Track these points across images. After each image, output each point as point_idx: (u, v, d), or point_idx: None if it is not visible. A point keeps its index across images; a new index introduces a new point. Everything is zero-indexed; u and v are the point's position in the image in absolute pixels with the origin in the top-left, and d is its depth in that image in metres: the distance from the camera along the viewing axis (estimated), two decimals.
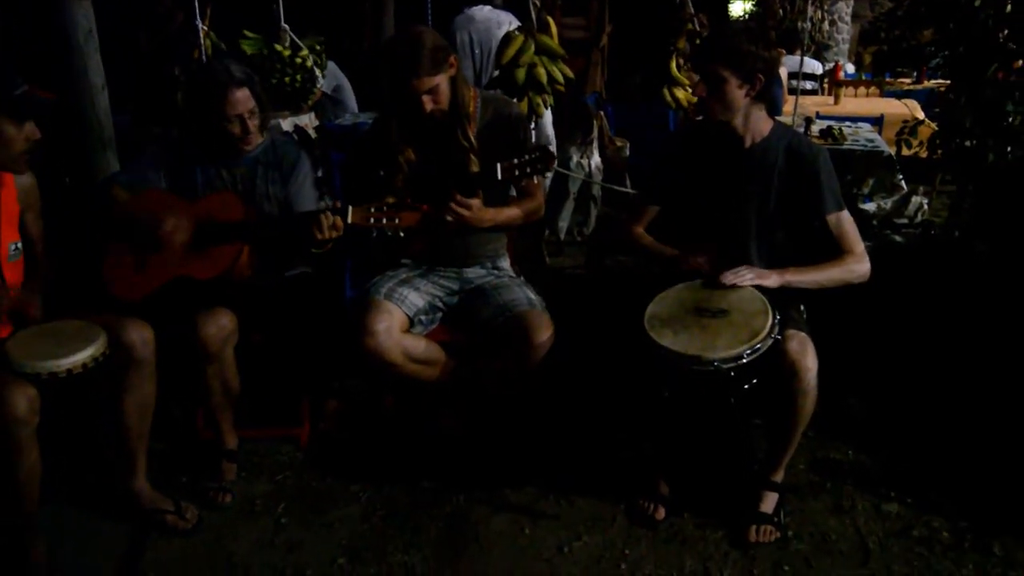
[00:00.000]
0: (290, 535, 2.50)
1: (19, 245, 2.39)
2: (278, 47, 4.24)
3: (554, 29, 3.64)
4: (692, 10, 3.53)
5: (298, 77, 4.31)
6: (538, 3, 3.56)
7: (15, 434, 2.09)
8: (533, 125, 4.12)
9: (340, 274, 3.18)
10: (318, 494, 2.69)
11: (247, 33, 4.26)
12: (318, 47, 4.42)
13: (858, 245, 2.41)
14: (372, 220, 2.44)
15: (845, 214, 2.42)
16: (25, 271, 2.42)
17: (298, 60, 4.24)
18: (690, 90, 3.59)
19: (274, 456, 2.88)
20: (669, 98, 3.69)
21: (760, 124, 2.43)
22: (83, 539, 2.48)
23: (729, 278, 2.31)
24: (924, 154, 3.45)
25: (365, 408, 3.12)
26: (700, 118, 2.59)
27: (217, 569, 2.37)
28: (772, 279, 2.33)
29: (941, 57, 3.37)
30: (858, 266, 2.40)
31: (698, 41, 3.48)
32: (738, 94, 2.34)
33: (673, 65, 3.65)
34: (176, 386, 2.68)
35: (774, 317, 2.22)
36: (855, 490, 2.62)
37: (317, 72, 4.35)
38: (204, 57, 4.01)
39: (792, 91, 6.02)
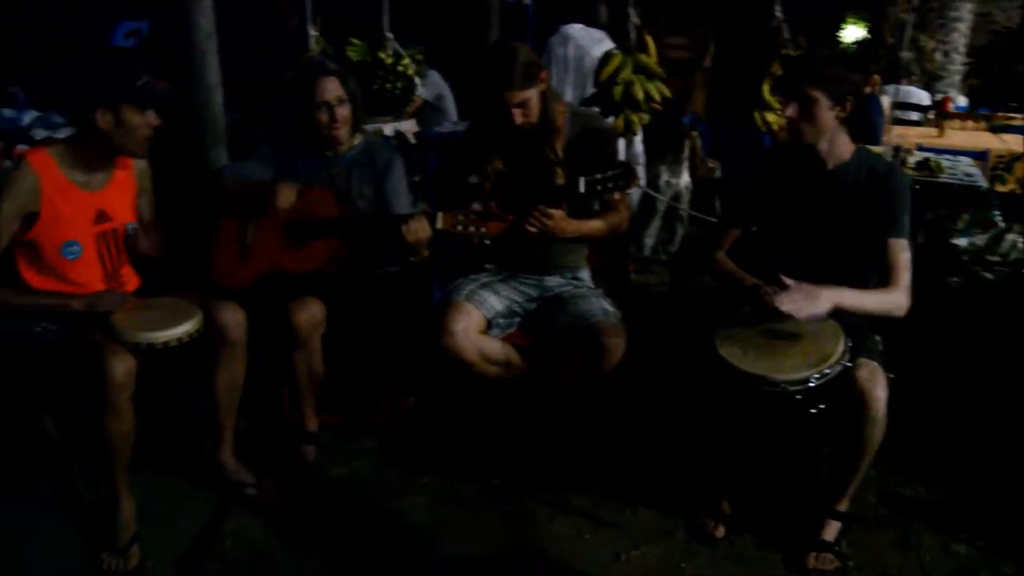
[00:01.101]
0: (361, 517, 2.62)
1: (136, 226, 2.60)
2: (381, 54, 4.42)
3: (652, 48, 3.70)
4: (788, 35, 3.54)
5: (398, 84, 4.49)
6: (638, 22, 3.62)
7: (114, 397, 2.26)
8: (628, 145, 4.19)
9: (429, 277, 3.30)
10: (391, 482, 2.81)
11: (353, 40, 4.46)
12: (419, 56, 4.58)
13: (905, 278, 2.35)
14: (459, 227, 2.55)
15: (905, 243, 2.38)
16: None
17: (400, 68, 4.41)
18: (780, 114, 3.59)
19: (352, 443, 3.02)
20: (760, 121, 3.70)
21: (843, 148, 2.44)
22: (170, 504, 2.66)
23: (784, 305, 2.22)
24: (1020, 191, 3.36)
25: (440, 405, 3.23)
26: (786, 141, 2.60)
27: (291, 542, 2.50)
28: (826, 305, 2.25)
29: None
30: (899, 298, 2.34)
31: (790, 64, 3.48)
32: (828, 116, 2.36)
33: (766, 89, 3.67)
34: (264, 371, 2.84)
35: (846, 344, 2.23)
36: (924, 527, 2.58)
37: (417, 80, 4.51)
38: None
39: (894, 120, 5.92)
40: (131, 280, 2.65)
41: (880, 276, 2.38)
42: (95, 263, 2.51)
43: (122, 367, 2.25)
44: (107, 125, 2.38)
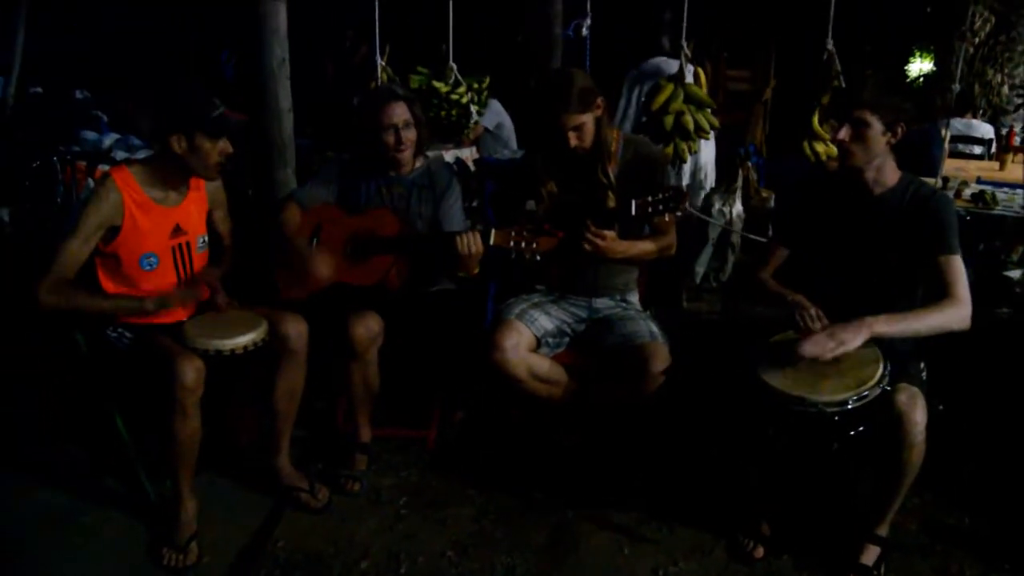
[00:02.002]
0: (408, 525, 2.72)
1: (206, 239, 2.77)
2: (436, 83, 4.58)
3: (703, 79, 3.78)
4: (839, 67, 3.59)
5: (453, 112, 4.62)
6: (689, 54, 3.71)
7: (183, 400, 2.40)
8: (681, 168, 4.26)
9: (483, 297, 3.41)
10: (437, 493, 2.90)
11: (420, 69, 4.63)
12: (476, 85, 4.72)
13: (963, 291, 2.34)
14: (512, 243, 2.65)
15: (957, 259, 2.38)
16: (209, 261, 2.79)
17: (454, 96, 4.55)
18: (830, 144, 3.63)
19: (402, 454, 3.12)
20: (809, 151, 3.74)
21: (889, 174, 2.47)
22: (229, 504, 2.79)
23: (808, 350, 2.25)
24: None
25: (489, 420, 3.33)
26: (835, 166, 2.64)
27: (340, 545, 2.61)
28: (858, 339, 2.25)
29: None
30: (960, 311, 2.33)
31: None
32: (880, 141, 2.39)
33: (815, 119, 3.71)
34: (321, 382, 2.97)
35: (885, 368, 2.26)
36: (966, 556, 2.56)
37: (472, 109, 4.64)
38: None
39: (954, 154, 5.87)
40: (202, 292, 2.81)
41: (935, 295, 2.38)
42: (170, 273, 2.67)
43: (192, 372, 2.40)
44: (181, 150, 2.55)
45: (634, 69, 5.08)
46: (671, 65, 4.89)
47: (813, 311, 2.40)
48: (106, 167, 4.64)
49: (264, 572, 2.49)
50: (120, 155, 5.06)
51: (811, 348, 2.25)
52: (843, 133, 2.39)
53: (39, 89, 6.29)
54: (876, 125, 2.36)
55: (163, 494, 2.70)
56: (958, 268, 2.38)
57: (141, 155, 4.95)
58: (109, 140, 5.55)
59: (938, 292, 2.38)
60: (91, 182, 4.32)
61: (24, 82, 5.79)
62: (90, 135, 5.62)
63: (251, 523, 2.71)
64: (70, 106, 6.14)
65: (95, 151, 5.18)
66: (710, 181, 4.99)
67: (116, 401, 2.71)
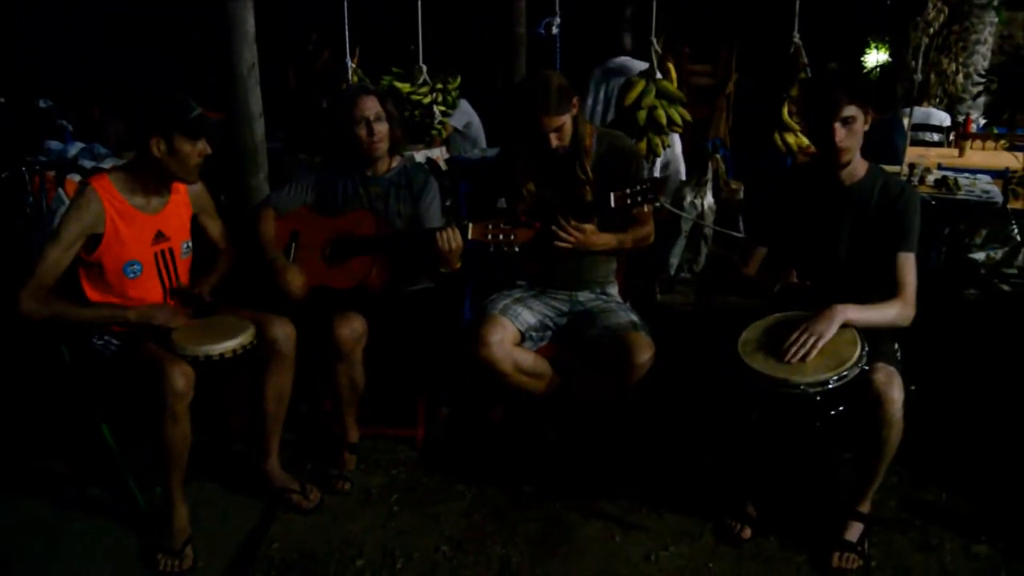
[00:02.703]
0: (400, 522, 2.74)
1: (190, 244, 2.78)
2: (398, 84, 4.59)
3: (674, 74, 3.85)
4: (806, 59, 3.67)
5: (416, 113, 4.63)
6: (659, 50, 3.77)
7: (173, 405, 2.41)
8: (658, 162, 4.33)
9: (461, 294, 3.45)
10: (427, 489, 2.93)
11: (395, 69, 4.64)
12: (442, 85, 4.73)
13: (911, 291, 2.47)
14: (490, 236, 2.70)
15: (912, 258, 2.49)
16: (193, 266, 2.80)
17: (415, 97, 4.56)
18: (800, 135, 3.71)
19: (390, 453, 3.14)
20: (780, 143, 3.81)
21: (858, 165, 2.55)
22: (220, 508, 2.80)
23: (794, 354, 2.33)
24: None
25: (475, 416, 3.36)
26: (804, 159, 2.71)
27: (334, 544, 2.63)
28: (833, 327, 2.37)
29: None
30: (906, 310, 2.47)
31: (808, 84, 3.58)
32: (862, 132, 2.49)
33: (785, 111, 3.79)
34: (305, 385, 2.98)
35: (863, 349, 2.33)
36: (944, 530, 2.65)
37: (435, 109, 4.66)
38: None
39: (913, 142, 6.01)
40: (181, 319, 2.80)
41: (888, 288, 2.49)
42: (154, 280, 2.68)
43: (182, 377, 2.40)
44: (160, 153, 2.55)
45: (599, 67, 5.14)
46: (635, 64, 4.96)
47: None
48: (76, 176, 4.60)
49: (260, 573, 2.50)
50: (87, 164, 5.00)
51: (795, 350, 2.34)
52: (840, 134, 2.44)
53: (1, 99, 6.21)
54: (860, 117, 2.45)
55: (153, 502, 2.70)
56: (910, 266, 2.50)
57: (108, 163, 4.91)
58: (74, 149, 5.48)
59: (891, 287, 2.49)
60: (61, 192, 4.28)
61: None
62: (55, 145, 5.54)
63: (244, 526, 2.72)
64: (34, 116, 6.06)
65: (61, 160, 5.12)
66: (680, 175, 5.06)
67: (103, 409, 2.70)
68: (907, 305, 2.47)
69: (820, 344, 2.34)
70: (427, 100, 4.83)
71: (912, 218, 2.50)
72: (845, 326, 2.40)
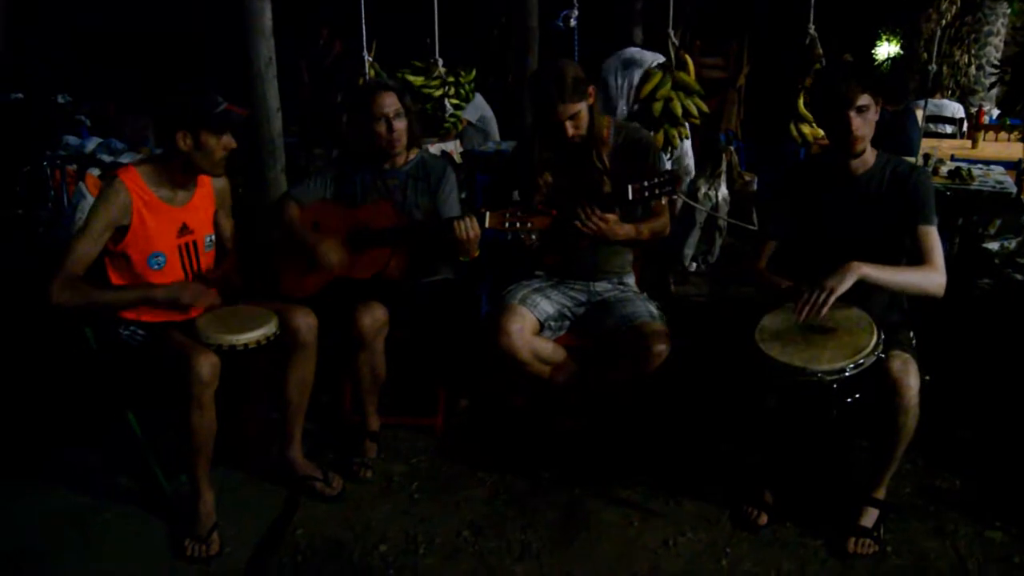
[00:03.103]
0: (422, 509, 2.79)
1: (213, 238, 2.82)
2: (410, 77, 4.62)
3: (691, 67, 3.87)
4: (821, 50, 3.69)
5: (428, 106, 4.66)
6: (676, 42, 3.80)
7: (199, 394, 2.46)
8: (672, 156, 4.35)
9: (479, 287, 3.49)
10: (448, 477, 2.98)
11: (416, 63, 4.68)
12: (456, 79, 4.76)
13: (940, 259, 2.47)
14: (507, 224, 2.73)
15: (934, 229, 2.51)
16: (216, 261, 2.84)
17: (426, 91, 4.59)
18: (815, 125, 3.74)
19: (411, 442, 3.19)
20: (796, 134, 3.84)
21: (868, 154, 2.58)
22: (245, 496, 2.85)
23: (805, 312, 2.34)
24: None
25: (494, 404, 3.41)
26: (817, 152, 2.74)
27: (357, 530, 2.68)
28: (846, 281, 2.33)
29: None
30: (936, 276, 2.45)
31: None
32: (874, 120, 2.52)
33: (800, 102, 3.81)
34: (326, 376, 3.02)
35: (879, 336, 2.36)
36: (959, 516, 2.68)
37: (447, 102, 4.69)
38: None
39: (928, 134, 6.02)
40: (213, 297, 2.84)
41: (914, 262, 2.50)
42: (178, 272, 2.72)
43: (208, 365, 2.45)
44: (187, 147, 2.59)
45: (611, 58, 5.16)
46: (646, 55, 4.99)
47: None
48: (96, 171, 4.67)
49: (286, 559, 2.55)
50: (106, 158, 5.07)
51: (808, 308, 2.34)
52: (857, 123, 2.46)
53: (20, 95, 6.28)
54: (872, 106, 2.48)
55: (178, 490, 2.76)
56: (935, 238, 2.51)
57: (125, 158, 4.98)
58: (91, 144, 5.55)
59: (917, 260, 2.51)
60: (82, 185, 4.34)
61: (5, 88, 5.77)
62: (72, 140, 5.61)
63: (268, 513, 2.76)
64: (52, 111, 6.13)
65: (79, 155, 5.19)
66: (689, 170, 5.09)
67: (129, 399, 2.75)
68: (937, 272, 2.46)
69: (831, 299, 2.32)
70: (438, 93, 4.86)
71: (927, 192, 2.52)
72: (863, 314, 2.43)
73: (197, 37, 7.72)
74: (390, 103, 3.05)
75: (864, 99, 2.45)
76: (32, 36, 7.22)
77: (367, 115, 3.06)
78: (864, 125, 2.48)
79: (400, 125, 3.08)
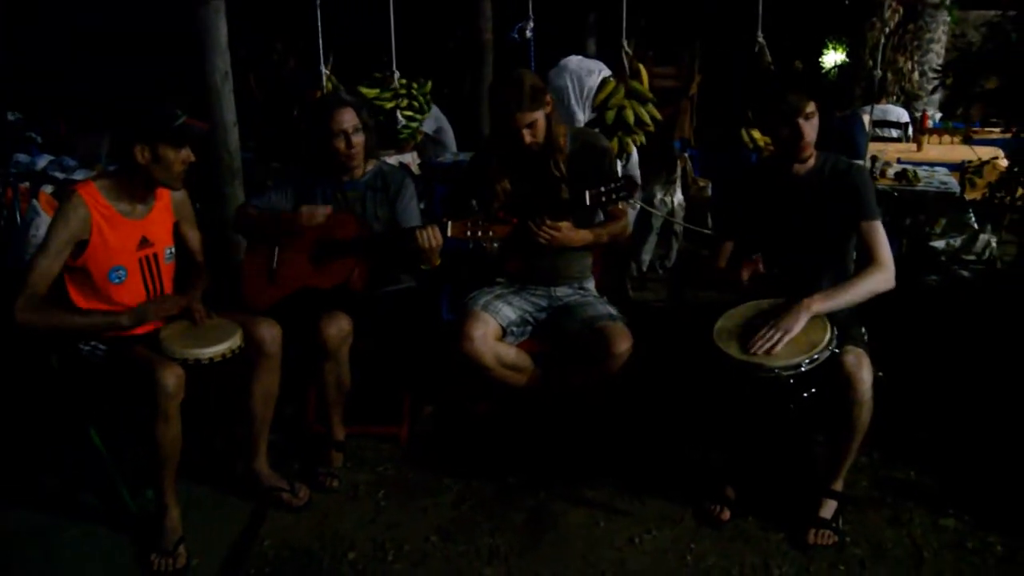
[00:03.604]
0: (389, 516, 2.80)
1: (173, 250, 2.81)
2: (363, 89, 4.64)
3: (645, 76, 3.95)
4: (770, 58, 3.79)
5: (380, 117, 4.68)
6: (630, 52, 3.87)
7: (164, 406, 2.45)
8: (626, 163, 4.42)
9: (441, 295, 3.52)
10: (415, 484, 2.99)
11: (376, 75, 4.69)
12: (406, 91, 4.78)
13: (885, 254, 2.57)
14: (469, 232, 2.77)
15: (878, 224, 2.60)
16: (176, 273, 2.83)
17: (378, 102, 4.61)
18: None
19: (376, 450, 3.20)
20: (747, 139, 3.94)
21: (812, 156, 2.68)
22: (211, 509, 2.84)
23: (760, 348, 2.42)
24: (988, 194, 3.61)
25: (459, 411, 3.43)
26: (767, 155, 2.83)
27: (325, 540, 2.68)
28: (800, 323, 2.45)
29: (1002, 105, 3.55)
30: (884, 273, 2.56)
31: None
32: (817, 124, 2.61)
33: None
34: (290, 386, 3.03)
35: (832, 332, 2.44)
36: (914, 506, 2.76)
37: (399, 114, 4.71)
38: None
39: (875, 138, 6.18)
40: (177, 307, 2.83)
41: (861, 258, 2.60)
42: (139, 286, 2.70)
43: (173, 377, 2.45)
44: (145, 160, 2.58)
45: (556, 67, 5.18)
46: (588, 63, 5.04)
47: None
48: (48, 188, 4.61)
49: (255, 570, 2.55)
50: (58, 175, 5.00)
51: (763, 344, 2.43)
52: (807, 130, 2.57)
53: None
54: (816, 113, 2.58)
55: (143, 506, 2.74)
56: (879, 232, 2.61)
57: (78, 175, 4.92)
58: (43, 161, 5.48)
59: (863, 257, 2.60)
60: (35, 203, 4.28)
61: None
62: (22, 157, 5.53)
63: (235, 525, 2.76)
64: (2, 128, 6.03)
65: (30, 173, 5.12)
66: (637, 175, 5.14)
67: (91, 415, 2.73)
68: (885, 269, 2.56)
69: (787, 339, 2.43)
70: (390, 105, 4.86)
71: (866, 187, 2.62)
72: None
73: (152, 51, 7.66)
74: (348, 119, 3.08)
75: (811, 106, 2.56)
76: None
77: (326, 130, 3.07)
78: (812, 131, 2.58)
79: (359, 140, 3.10)
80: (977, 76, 3.71)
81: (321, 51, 4.32)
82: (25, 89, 6.95)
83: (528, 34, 4.50)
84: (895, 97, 8.67)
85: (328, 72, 4.42)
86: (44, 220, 4.04)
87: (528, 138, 2.84)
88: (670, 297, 4.71)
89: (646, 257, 4.82)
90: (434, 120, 6.02)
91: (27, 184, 4.60)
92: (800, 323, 2.45)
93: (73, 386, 2.71)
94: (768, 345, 2.42)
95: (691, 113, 7.62)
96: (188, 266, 2.92)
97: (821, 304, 2.50)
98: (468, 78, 7.28)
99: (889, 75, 8.66)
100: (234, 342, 2.66)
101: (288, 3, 5.49)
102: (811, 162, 2.68)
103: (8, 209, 4.58)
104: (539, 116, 2.84)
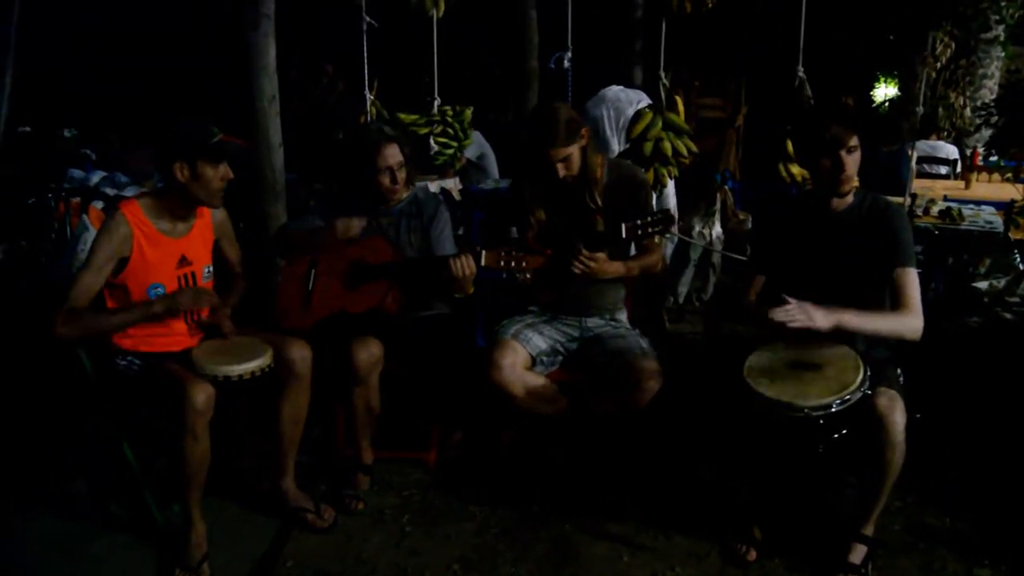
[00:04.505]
0: (413, 542, 2.80)
1: (211, 268, 2.86)
2: (401, 115, 4.69)
3: (681, 107, 3.96)
4: (810, 92, 3.77)
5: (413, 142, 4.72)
6: (667, 83, 3.88)
7: (194, 424, 2.48)
8: (660, 195, 4.41)
9: (473, 322, 3.53)
10: (440, 510, 2.99)
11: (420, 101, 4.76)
12: (443, 116, 4.82)
13: (915, 302, 2.51)
14: (502, 263, 2.78)
15: (912, 271, 2.55)
16: (215, 291, 2.88)
17: (412, 128, 4.65)
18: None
19: (404, 475, 3.21)
20: (784, 173, 3.91)
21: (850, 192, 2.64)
22: (236, 526, 2.87)
23: (778, 316, 2.41)
24: None
25: (486, 439, 3.42)
26: (807, 191, 2.79)
27: (347, 563, 2.69)
28: (827, 321, 2.42)
29: None
30: (911, 320, 2.50)
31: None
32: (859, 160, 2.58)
33: (790, 143, 3.88)
34: (320, 407, 3.06)
35: (865, 373, 2.39)
36: (948, 553, 2.69)
37: (432, 141, 4.75)
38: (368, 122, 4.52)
39: (922, 175, 6.09)
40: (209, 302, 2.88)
41: (892, 303, 2.55)
42: None
43: (203, 395, 2.48)
44: (184, 178, 2.64)
45: (595, 97, 5.21)
46: (628, 93, 5.05)
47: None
48: (99, 204, 4.74)
49: None
50: (109, 191, 5.13)
51: (780, 315, 2.41)
52: (849, 163, 2.53)
53: (27, 128, 6.37)
54: (859, 146, 2.54)
55: (170, 519, 2.77)
56: (912, 281, 2.55)
57: (129, 191, 5.04)
58: (96, 177, 5.62)
59: (894, 302, 2.55)
60: (85, 218, 4.39)
61: (12, 122, 5.86)
62: (77, 173, 5.69)
63: (259, 545, 2.78)
64: (58, 144, 6.22)
65: (83, 188, 5.26)
66: (674, 207, 5.12)
67: (124, 428, 2.78)
68: (914, 316, 2.50)
69: (806, 324, 2.40)
70: (424, 131, 4.91)
71: (904, 230, 2.57)
72: (849, 351, 2.47)
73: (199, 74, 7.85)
74: (393, 154, 3.10)
75: (854, 140, 2.52)
76: (39, 69, 7.30)
77: (371, 165, 3.09)
78: (854, 165, 2.55)
79: (402, 176, 3.14)
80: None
81: (366, 76, 4.38)
82: (79, 106, 7.15)
83: (566, 64, 4.52)
84: (946, 133, 8.53)
85: (372, 97, 4.48)
86: (93, 235, 4.13)
87: (562, 171, 2.85)
88: (706, 330, 4.67)
89: (683, 289, 4.80)
90: (477, 146, 6.09)
91: (78, 199, 4.73)
92: (826, 322, 2.42)
93: (108, 399, 2.76)
94: (785, 318, 2.40)
95: (736, 144, 7.62)
96: (225, 279, 2.96)
97: (850, 319, 2.45)
98: (513, 105, 7.34)
99: (940, 111, 8.52)
100: (264, 361, 2.69)
101: (339, 28, 5.59)
102: (850, 198, 2.64)
103: (59, 223, 4.70)
104: (573, 150, 2.84)
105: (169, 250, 2.72)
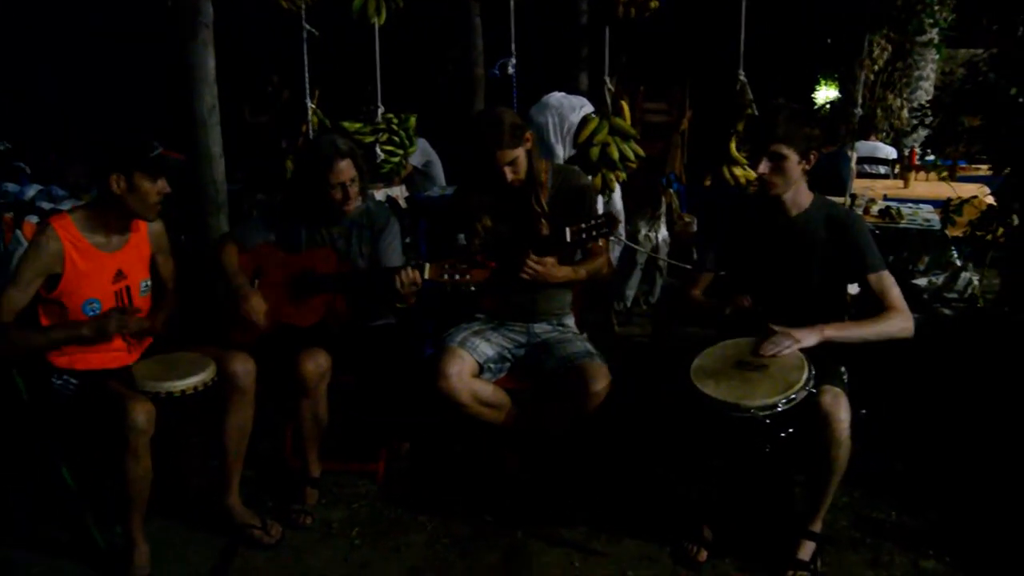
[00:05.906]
0: (362, 555, 2.76)
1: (149, 283, 2.79)
2: (345, 124, 4.64)
3: (627, 112, 3.97)
4: (751, 96, 3.81)
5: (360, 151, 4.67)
6: (612, 89, 3.90)
7: (134, 442, 2.42)
8: (607, 199, 4.43)
9: (422, 331, 3.49)
10: (389, 522, 2.95)
11: (364, 108, 4.70)
12: (385, 125, 4.78)
13: (899, 301, 2.56)
14: (446, 276, 2.75)
15: (886, 274, 2.59)
16: (152, 305, 2.81)
17: (357, 136, 4.60)
18: (747, 168, 3.84)
19: (352, 487, 3.16)
20: (728, 176, 3.95)
21: (804, 196, 2.67)
22: (181, 546, 2.79)
23: (768, 350, 2.46)
24: (969, 232, 3.62)
25: (435, 449, 3.39)
26: (753, 192, 2.81)
27: None
28: (811, 338, 2.48)
29: (984, 143, 3.57)
30: (902, 322, 2.54)
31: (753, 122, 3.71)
32: (796, 169, 2.59)
33: (732, 145, 3.93)
34: (266, 421, 3.00)
35: (810, 371, 2.41)
36: (895, 547, 2.72)
37: (378, 149, 4.71)
38: (311, 132, 4.46)
39: (862, 175, 6.20)
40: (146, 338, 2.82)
41: (874, 310, 2.58)
42: None
43: (143, 414, 2.42)
44: (120, 190, 2.57)
45: (538, 104, 5.20)
46: (571, 100, 5.06)
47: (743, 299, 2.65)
48: (33, 218, 4.59)
49: None
50: (45, 205, 4.99)
51: (769, 347, 2.46)
52: (763, 167, 2.57)
53: None
54: (792, 156, 2.56)
55: (112, 541, 2.70)
56: (888, 282, 2.60)
57: (66, 205, 4.90)
58: (31, 191, 5.45)
59: (876, 307, 2.58)
60: (19, 233, 4.24)
61: None
62: (11, 187, 5.52)
63: (205, 563, 2.71)
64: None
65: (18, 202, 5.10)
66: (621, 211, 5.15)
67: (62, 449, 2.69)
68: (902, 317, 2.55)
69: (794, 348, 2.45)
70: (369, 140, 4.86)
71: (866, 240, 2.61)
72: (795, 351, 2.49)
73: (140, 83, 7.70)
74: (347, 170, 3.01)
75: (779, 148, 2.55)
76: None
77: (323, 180, 3.00)
78: (774, 172, 2.58)
79: (354, 190, 3.06)
80: (959, 114, 3.73)
81: (307, 85, 4.33)
82: (11, 119, 6.94)
83: (510, 71, 4.51)
84: (885, 134, 8.72)
85: (314, 106, 4.43)
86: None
87: (510, 175, 2.84)
88: (654, 333, 4.69)
89: (630, 292, 4.82)
90: (422, 154, 6.04)
91: (11, 214, 4.58)
92: (810, 342, 2.47)
93: (43, 420, 2.67)
94: (776, 350, 2.44)
95: (682, 148, 7.68)
96: (159, 294, 2.89)
97: (834, 332, 2.51)
98: (459, 112, 7.31)
99: (878, 112, 8.72)
100: (206, 375, 2.63)
101: (281, 37, 5.51)
102: (804, 203, 2.67)
103: None
104: (519, 153, 2.84)
105: (104, 264, 2.65)
